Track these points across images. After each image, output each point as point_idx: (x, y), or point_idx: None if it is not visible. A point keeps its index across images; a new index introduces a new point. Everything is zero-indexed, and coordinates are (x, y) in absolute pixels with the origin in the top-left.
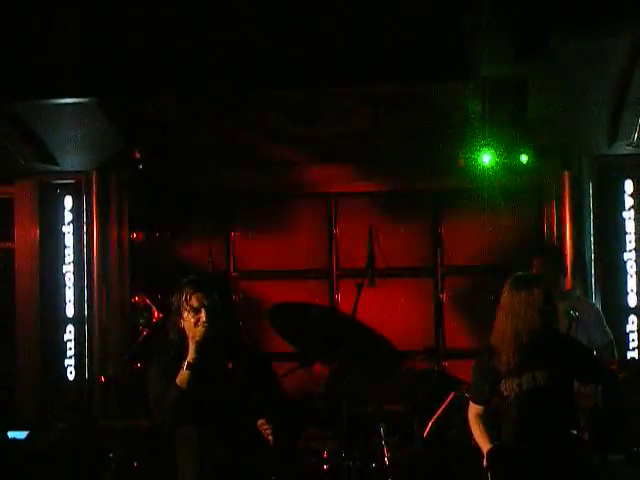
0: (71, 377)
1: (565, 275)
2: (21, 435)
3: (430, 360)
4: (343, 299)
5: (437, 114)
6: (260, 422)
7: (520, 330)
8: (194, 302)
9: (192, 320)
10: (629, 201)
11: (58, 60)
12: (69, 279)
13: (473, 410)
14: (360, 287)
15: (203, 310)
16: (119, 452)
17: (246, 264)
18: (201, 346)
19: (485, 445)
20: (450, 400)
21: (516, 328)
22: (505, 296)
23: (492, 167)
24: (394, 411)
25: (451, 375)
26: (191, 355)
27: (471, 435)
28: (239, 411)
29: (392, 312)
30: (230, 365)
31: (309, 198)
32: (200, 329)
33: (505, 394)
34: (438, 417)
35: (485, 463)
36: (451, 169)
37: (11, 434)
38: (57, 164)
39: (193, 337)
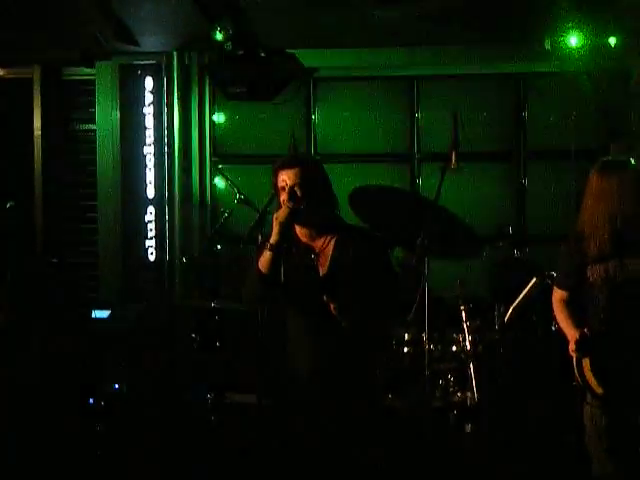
0: (152, 258)
1: None
2: (103, 314)
3: (512, 246)
4: (424, 183)
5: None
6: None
7: (612, 215)
8: (279, 181)
9: (280, 200)
10: None
11: None
12: (150, 160)
13: (558, 295)
14: (444, 170)
15: (286, 189)
16: (201, 332)
17: (328, 147)
18: (284, 227)
19: (570, 330)
20: (532, 285)
21: (608, 212)
22: (594, 180)
23: (579, 50)
24: (475, 296)
25: (532, 261)
26: (274, 236)
27: (553, 320)
28: (327, 295)
29: (474, 197)
30: (318, 246)
31: (391, 81)
32: (283, 209)
33: (592, 280)
34: (520, 302)
35: (573, 348)
36: (537, 52)
37: (94, 313)
38: (138, 44)
39: (277, 218)
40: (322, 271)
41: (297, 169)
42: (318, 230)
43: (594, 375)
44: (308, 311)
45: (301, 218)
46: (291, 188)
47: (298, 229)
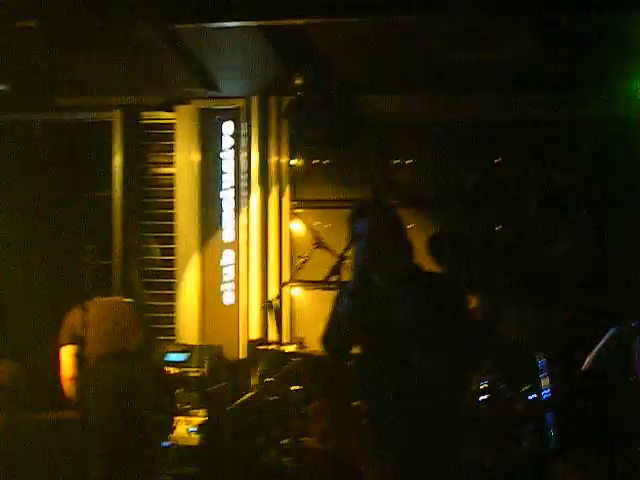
0: (229, 301)
1: None
2: (180, 357)
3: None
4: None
5: (604, 44)
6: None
7: None
8: (353, 229)
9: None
10: None
11: None
12: (227, 204)
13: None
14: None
15: (361, 237)
16: (278, 377)
17: (406, 192)
18: (361, 274)
19: None
20: (612, 333)
21: None
22: None
23: None
24: (554, 344)
25: (612, 309)
26: (351, 283)
27: (633, 369)
28: (408, 342)
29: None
30: (397, 294)
31: (469, 127)
32: (359, 257)
33: None
34: (599, 350)
35: None
36: (615, 98)
37: (171, 356)
38: (217, 89)
39: (353, 265)
40: (403, 320)
41: (371, 217)
42: (395, 278)
43: None
44: (388, 360)
45: (377, 266)
46: (366, 236)
47: (375, 277)
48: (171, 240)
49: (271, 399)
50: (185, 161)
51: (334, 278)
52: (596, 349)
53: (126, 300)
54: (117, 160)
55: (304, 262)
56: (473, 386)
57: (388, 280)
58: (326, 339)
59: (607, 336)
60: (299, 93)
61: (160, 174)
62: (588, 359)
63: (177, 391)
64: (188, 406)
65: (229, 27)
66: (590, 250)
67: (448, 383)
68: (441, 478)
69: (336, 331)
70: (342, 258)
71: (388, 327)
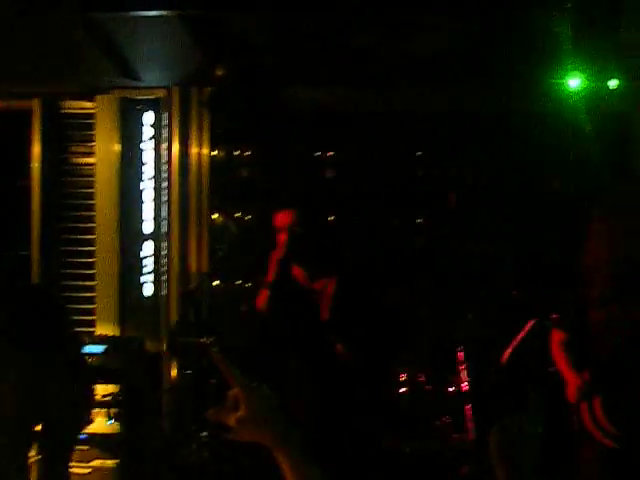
0: (148, 293)
1: None
2: (98, 349)
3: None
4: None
5: (525, 37)
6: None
7: (617, 258)
8: (277, 221)
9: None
10: None
11: None
12: (147, 195)
13: (557, 337)
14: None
15: (284, 229)
16: (196, 368)
17: (331, 185)
18: (282, 266)
19: (569, 374)
20: (530, 327)
21: (613, 256)
22: (600, 222)
23: (579, 92)
24: (473, 337)
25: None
26: (271, 275)
27: (551, 363)
28: (331, 336)
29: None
30: (319, 287)
31: (398, 118)
32: (281, 248)
33: (594, 323)
34: (518, 344)
35: (573, 392)
36: (537, 93)
37: (91, 347)
38: (139, 79)
39: (275, 257)
40: (324, 312)
41: (294, 210)
42: (317, 270)
43: (607, 416)
44: (310, 352)
45: (298, 258)
46: (288, 229)
47: (297, 270)
48: (91, 231)
49: (190, 391)
50: (105, 151)
51: (254, 271)
52: (515, 342)
53: (44, 289)
54: (36, 150)
55: (223, 254)
56: (393, 377)
57: (314, 272)
58: (245, 329)
59: (526, 329)
60: (222, 83)
61: (80, 164)
62: (507, 352)
63: (96, 383)
64: (107, 398)
65: (150, 16)
66: (510, 244)
67: (368, 373)
68: (361, 465)
69: (256, 321)
70: (262, 251)
71: (306, 317)
